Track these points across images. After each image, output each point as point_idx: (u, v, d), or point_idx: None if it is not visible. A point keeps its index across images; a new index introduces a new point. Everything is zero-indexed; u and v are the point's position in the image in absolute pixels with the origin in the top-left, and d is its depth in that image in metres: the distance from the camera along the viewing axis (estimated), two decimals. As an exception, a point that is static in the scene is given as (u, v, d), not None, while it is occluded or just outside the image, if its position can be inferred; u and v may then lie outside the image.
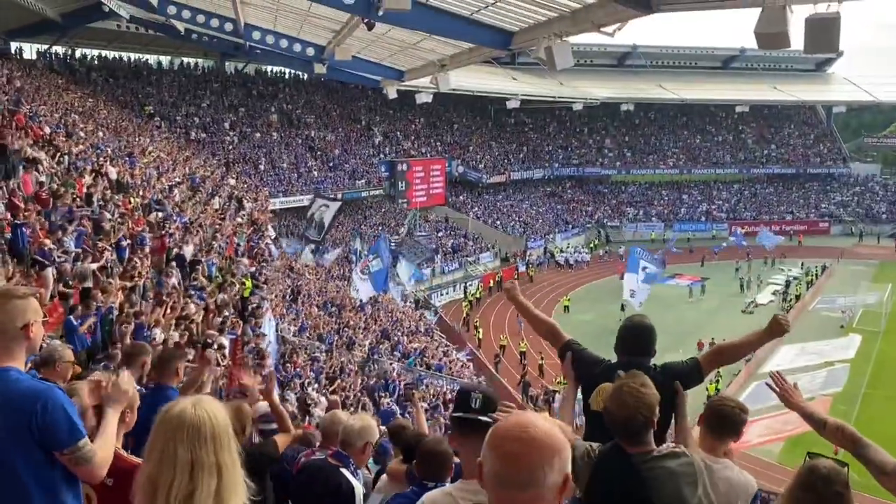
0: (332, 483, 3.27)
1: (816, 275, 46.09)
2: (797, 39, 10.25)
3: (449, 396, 21.02)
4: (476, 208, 54.49)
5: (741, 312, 39.03)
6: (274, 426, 4.01)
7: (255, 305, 15.59)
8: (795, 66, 69.49)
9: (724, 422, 3.18)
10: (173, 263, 14.30)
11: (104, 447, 2.41)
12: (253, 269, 18.48)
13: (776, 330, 3.40)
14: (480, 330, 34.35)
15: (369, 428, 3.48)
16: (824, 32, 9.92)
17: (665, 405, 3.24)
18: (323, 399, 14.64)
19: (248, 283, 16.68)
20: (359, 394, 17.28)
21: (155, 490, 1.70)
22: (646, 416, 2.46)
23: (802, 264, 47.72)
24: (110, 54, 43.75)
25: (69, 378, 3.99)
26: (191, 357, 9.16)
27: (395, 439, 4.55)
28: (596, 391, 3.26)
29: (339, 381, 17.37)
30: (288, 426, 3.87)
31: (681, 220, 60.75)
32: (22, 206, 11.53)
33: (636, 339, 3.35)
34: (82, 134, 21.04)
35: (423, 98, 35.48)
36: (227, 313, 13.32)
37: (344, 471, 3.36)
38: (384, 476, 4.00)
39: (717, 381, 27.45)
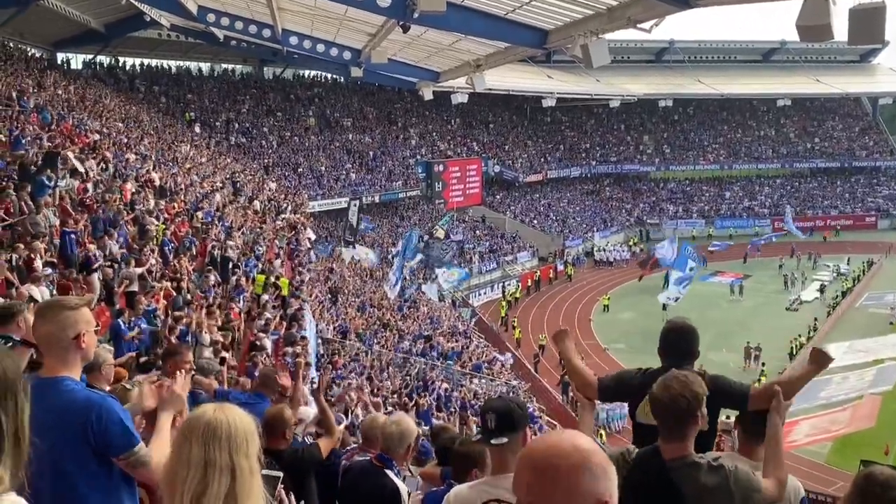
0: (379, 485, 3.30)
1: (864, 270, 44.89)
2: (841, 30, 9.99)
3: (489, 395, 21.01)
4: (513, 207, 54.30)
5: (785, 310, 38.22)
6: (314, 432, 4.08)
7: (296, 307, 15.76)
8: (839, 58, 67.75)
9: (761, 424, 3.10)
10: (215, 266, 14.55)
11: (159, 449, 2.47)
12: (292, 270, 18.71)
13: (820, 360, 3.36)
14: (518, 329, 34.21)
15: (409, 431, 3.50)
16: (869, 22, 9.66)
17: (710, 415, 3.21)
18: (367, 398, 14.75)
19: (284, 283, 16.88)
20: (401, 394, 17.35)
21: (173, 487, 1.74)
22: (689, 401, 2.40)
23: (849, 260, 46.50)
24: (153, 62, 44.71)
25: (113, 380, 4.09)
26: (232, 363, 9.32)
27: (436, 441, 4.56)
28: (644, 402, 3.19)
29: (377, 381, 17.46)
30: (333, 429, 3.92)
31: (722, 216, 59.71)
32: (72, 212, 11.83)
33: (679, 341, 3.27)
34: (126, 141, 21.52)
35: (459, 98, 35.50)
36: (268, 315, 13.50)
37: (389, 472, 3.39)
38: (419, 479, 4.02)
39: (761, 380, 26.94)
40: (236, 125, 42.84)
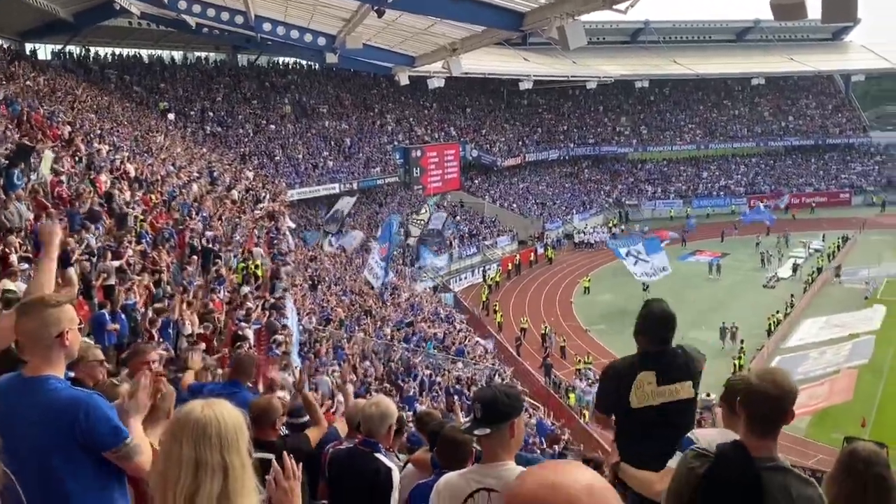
0: (370, 468, 3.30)
1: (838, 247, 45.53)
2: (814, 9, 10.08)
3: (472, 380, 21.13)
4: (492, 192, 54.34)
5: (762, 287, 38.71)
6: (305, 419, 4.05)
7: (277, 296, 15.69)
8: (811, 36, 68.28)
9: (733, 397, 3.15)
10: (194, 257, 14.42)
11: (143, 444, 2.46)
12: (272, 258, 18.60)
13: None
14: (500, 313, 34.35)
15: (389, 412, 3.47)
16: (842, 1, 9.75)
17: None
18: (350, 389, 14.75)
19: (261, 266, 16.79)
20: (382, 380, 17.38)
21: (165, 488, 1.72)
22: (793, 397, 2.31)
23: (824, 237, 47.13)
24: (124, 51, 43.97)
25: (101, 377, 4.05)
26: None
27: (421, 427, 4.56)
28: (636, 384, 3.22)
29: (360, 368, 17.48)
30: (320, 419, 3.90)
31: (699, 196, 60.24)
32: (47, 205, 11.66)
33: (656, 325, 3.31)
34: (99, 132, 21.20)
35: (435, 83, 35.38)
36: (249, 305, 13.42)
37: (377, 455, 3.38)
38: (409, 465, 4.02)
39: (741, 357, 27.34)
40: (211, 114, 42.34)
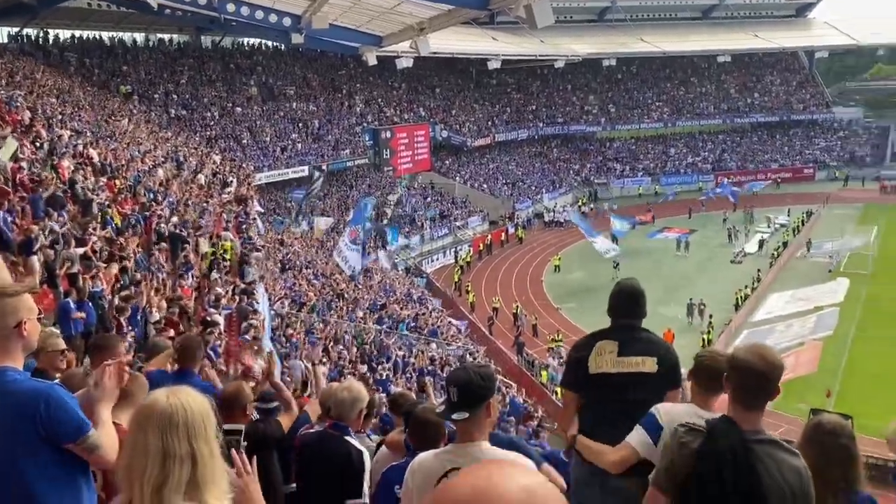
0: (341, 451, 3.29)
1: (803, 221, 46.33)
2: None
3: (445, 361, 21.22)
4: (462, 172, 54.29)
5: (730, 262, 39.30)
6: (274, 404, 4.02)
7: (248, 282, 15.56)
8: (776, 13, 69.06)
9: (714, 376, 3.18)
10: (162, 244, 14.22)
11: (106, 435, 2.41)
12: (241, 243, 18.41)
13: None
14: (472, 293, 34.46)
15: (360, 397, 3.45)
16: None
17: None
18: (323, 371, 14.72)
19: (229, 247, 16.63)
20: (355, 362, 17.38)
21: (131, 479, 1.69)
22: (780, 371, 2.34)
23: (789, 211, 47.92)
24: (84, 34, 42.84)
25: (64, 366, 3.98)
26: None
27: (395, 409, 4.56)
28: (595, 351, 3.24)
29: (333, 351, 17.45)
30: (291, 405, 3.87)
31: (667, 173, 60.79)
32: (11, 192, 11.38)
33: (628, 302, 3.35)
34: (60, 117, 20.72)
35: (404, 63, 35.13)
36: (219, 290, 13.29)
37: (348, 438, 3.37)
38: (383, 447, 4.02)
39: (709, 332, 27.77)
40: (175, 97, 41.56)
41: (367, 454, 3.31)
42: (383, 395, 16.07)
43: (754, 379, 2.29)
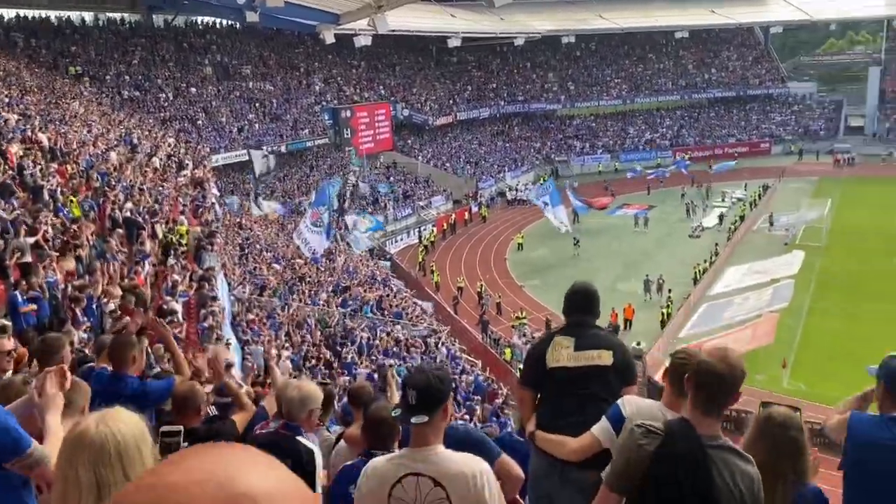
0: (292, 452, 3.26)
1: (759, 195, 47.20)
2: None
3: (411, 342, 21.25)
4: (425, 151, 54.08)
5: (688, 237, 39.91)
6: (230, 399, 3.97)
7: (206, 267, 15.32)
8: (732, -11, 69.70)
9: (681, 377, 3.19)
10: (117, 230, 13.91)
11: (54, 448, 2.34)
12: (199, 228, 18.10)
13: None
14: (437, 273, 34.49)
15: (311, 396, 3.40)
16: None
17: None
18: (287, 361, 14.65)
19: (184, 230, 16.37)
20: (319, 346, 17.31)
21: None
22: (742, 375, 2.33)
23: (746, 186, 48.75)
24: (30, 13, 41.41)
25: (13, 363, 3.87)
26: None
27: (354, 402, 4.53)
28: (552, 346, 3.29)
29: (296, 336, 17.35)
30: (245, 404, 3.81)
31: (626, 150, 61.31)
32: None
33: (582, 302, 3.43)
34: (7, 100, 20.05)
35: (362, 41, 34.71)
36: (176, 277, 13.07)
37: (299, 438, 3.34)
38: (342, 441, 3.99)
39: (668, 306, 28.21)
40: (127, 78, 40.50)
41: (318, 453, 3.28)
42: (348, 378, 16.08)
43: (716, 383, 2.28)
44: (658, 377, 22.51)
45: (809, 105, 67.79)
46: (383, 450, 3.11)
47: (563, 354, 3.24)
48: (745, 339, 24.56)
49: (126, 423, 1.66)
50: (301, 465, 3.22)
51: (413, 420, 2.42)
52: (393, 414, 2.55)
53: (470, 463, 2.42)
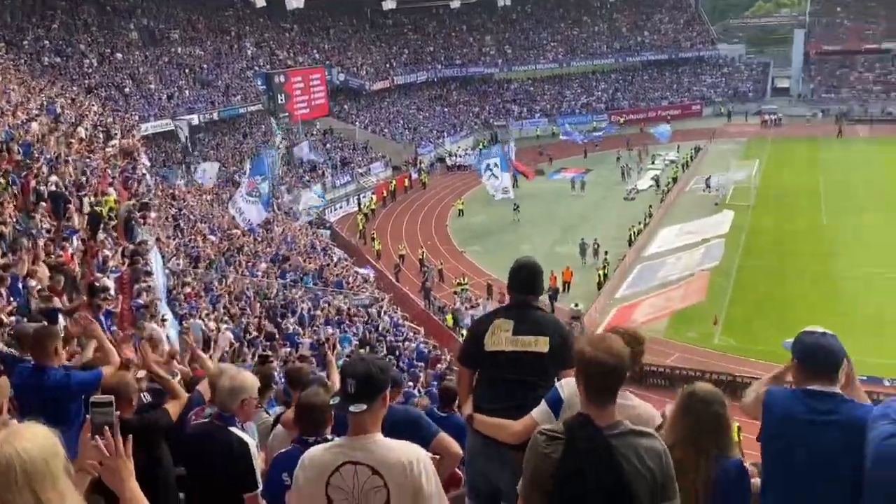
0: (224, 444, 3.21)
1: (691, 157, 48.34)
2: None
3: (354, 312, 21.22)
4: (362, 117, 53.40)
5: (623, 200, 40.70)
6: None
7: (138, 241, 14.89)
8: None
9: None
10: (42, 204, 13.37)
11: None
12: (131, 202, 17.54)
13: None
14: (377, 241, 34.35)
15: (242, 386, 3.34)
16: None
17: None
18: (227, 331, 14.46)
19: (110, 201, 15.88)
20: (260, 317, 17.11)
21: None
22: (627, 366, 2.35)
23: (678, 148, 49.80)
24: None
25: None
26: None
27: (292, 384, 4.49)
28: (492, 328, 3.33)
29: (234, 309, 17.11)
30: (177, 392, 3.74)
31: (563, 114, 61.73)
32: None
33: (526, 279, 3.46)
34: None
35: (294, 3, 33.86)
36: (106, 252, 12.68)
37: (232, 429, 3.29)
38: (279, 426, 3.97)
39: (605, 267, 28.82)
40: (47, 43, 38.51)
41: (252, 444, 3.26)
42: (290, 349, 15.99)
43: (603, 374, 2.29)
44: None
45: (738, 67, 69.36)
46: (315, 436, 3.12)
47: (502, 338, 3.28)
48: (678, 298, 25.39)
49: (32, 440, 1.56)
50: (232, 457, 3.18)
51: (351, 409, 2.42)
52: (331, 402, 2.55)
53: (407, 451, 2.45)
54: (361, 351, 16.47)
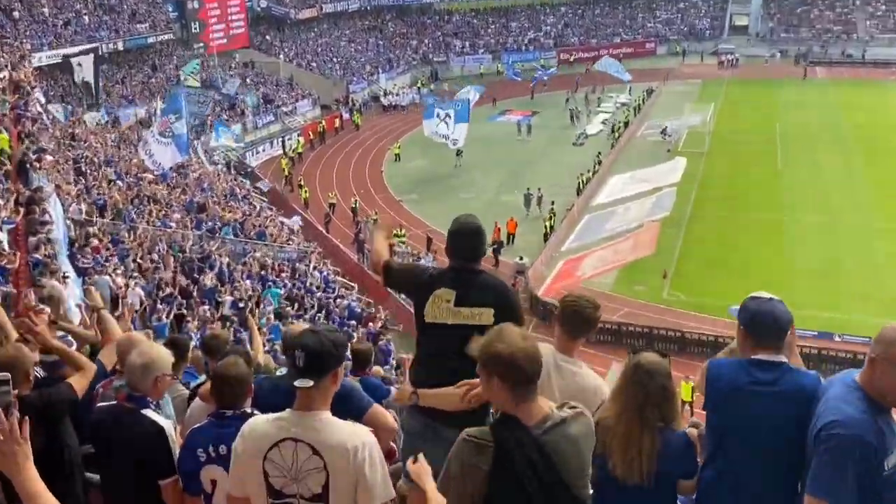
0: (136, 428, 3.14)
1: (643, 100, 48.90)
2: None
3: (278, 266, 21.05)
4: (287, 49, 52.10)
5: (572, 145, 41.03)
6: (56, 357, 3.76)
7: (34, 188, 14.37)
8: None
9: (579, 321, 3.32)
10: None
11: None
12: (20, 140, 16.88)
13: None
14: (305, 189, 33.90)
15: (155, 362, 3.24)
16: None
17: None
18: (138, 288, 14.21)
19: (4, 140, 15.28)
20: (175, 273, 16.81)
21: None
22: (539, 361, 2.37)
23: (630, 89, 50.24)
24: None
25: None
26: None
27: (209, 353, 4.42)
28: (432, 299, 3.32)
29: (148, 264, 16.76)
30: (81, 363, 3.63)
31: (509, 50, 61.41)
32: None
33: (467, 243, 3.42)
34: None
35: (208, -81, 32.35)
36: (-2, 201, 12.23)
37: (146, 412, 3.24)
38: (196, 399, 3.93)
39: (551, 218, 29.17)
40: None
41: (168, 426, 3.20)
42: (209, 308, 15.81)
43: (524, 374, 2.32)
44: (540, 292, 23.56)
45: (695, 2, 69.96)
46: (233, 409, 3.10)
47: (443, 309, 3.28)
48: (627, 250, 26.02)
49: None
50: (147, 444, 3.13)
51: (297, 384, 2.42)
52: (278, 375, 2.55)
53: (353, 435, 2.46)
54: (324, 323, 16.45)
